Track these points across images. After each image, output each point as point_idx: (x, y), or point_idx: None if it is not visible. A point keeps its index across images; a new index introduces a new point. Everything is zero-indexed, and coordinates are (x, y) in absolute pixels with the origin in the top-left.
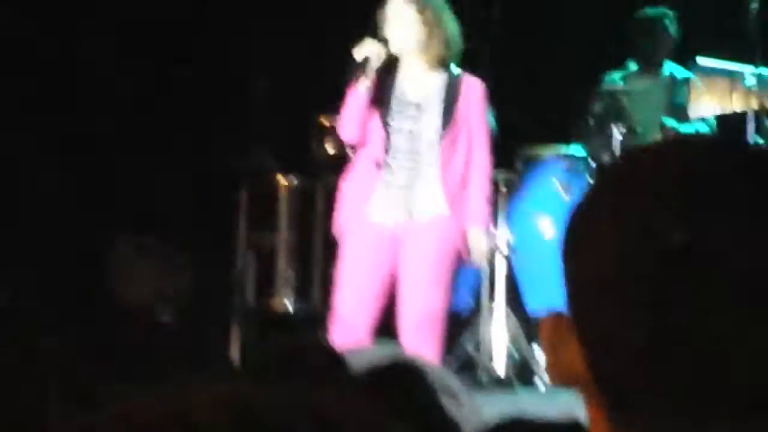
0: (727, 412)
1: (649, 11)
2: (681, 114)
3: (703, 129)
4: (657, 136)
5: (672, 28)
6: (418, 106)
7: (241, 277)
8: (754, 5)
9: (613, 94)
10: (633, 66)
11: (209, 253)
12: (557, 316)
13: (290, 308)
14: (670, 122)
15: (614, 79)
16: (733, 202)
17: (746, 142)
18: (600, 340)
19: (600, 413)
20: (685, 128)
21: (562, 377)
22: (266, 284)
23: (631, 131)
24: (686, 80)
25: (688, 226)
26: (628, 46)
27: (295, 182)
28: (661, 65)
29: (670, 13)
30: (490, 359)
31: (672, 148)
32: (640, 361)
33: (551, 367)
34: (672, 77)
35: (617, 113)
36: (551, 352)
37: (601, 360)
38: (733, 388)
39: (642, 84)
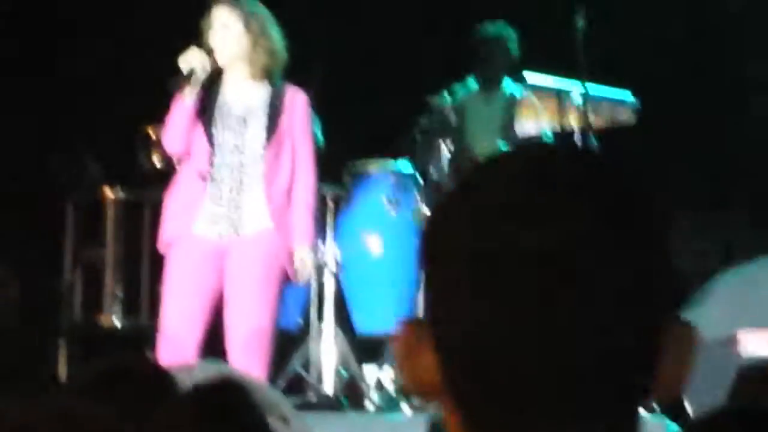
0: (555, 420)
1: (490, 29)
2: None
3: None
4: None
5: (512, 46)
6: (242, 119)
7: (67, 292)
8: (580, 22)
9: (441, 110)
10: (473, 82)
11: (36, 268)
12: (413, 323)
13: (118, 324)
14: (505, 146)
15: (445, 94)
16: (577, 206)
17: (587, 150)
18: (450, 343)
19: (455, 420)
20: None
21: (416, 385)
22: (93, 299)
23: (460, 147)
24: (524, 99)
25: (535, 229)
26: (469, 62)
27: (123, 195)
28: (500, 83)
29: (511, 31)
30: (319, 379)
31: (519, 155)
32: (479, 365)
33: (406, 375)
34: (511, 96)
35: (444, 129)
36: (406, 358)
37: (448, 364)
38: (565, 394)
39: (480, 101)
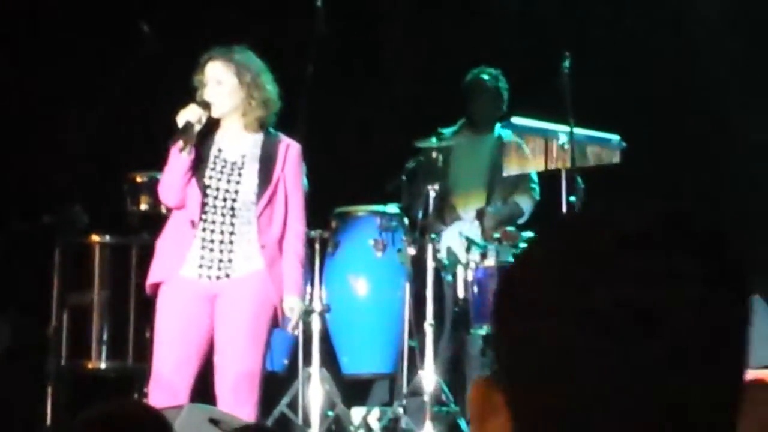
0: None
1: (482, 73)
2: (501, 177)
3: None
4: (479, 195)
5: (503, 90)
6: (235, 166)
7: (55, 336)
8: (566, 64)
9: (427, 152)
10: (462, 125)
11: (23, 312)
12: (487, 384)
13: (104, 367)
14: (493, 209)
15: (432, 138)
16: (665, 264)
17: (681, 207)
18: (529, 413)
19: None
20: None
21: None
22: (80, 343)
23: (445, 190)
24: (512, 142)
25: (618, 288)
26: (461, 105)
27: (109, 240)
28: (491, 126)
29: (503, 77)
30: (306, 420)
31: (601, 213)
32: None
33: None
34: (499, 139)
35: (430, 171)
36: (479, 420)
37: (527, 427)
38: None
39: (468, 144)
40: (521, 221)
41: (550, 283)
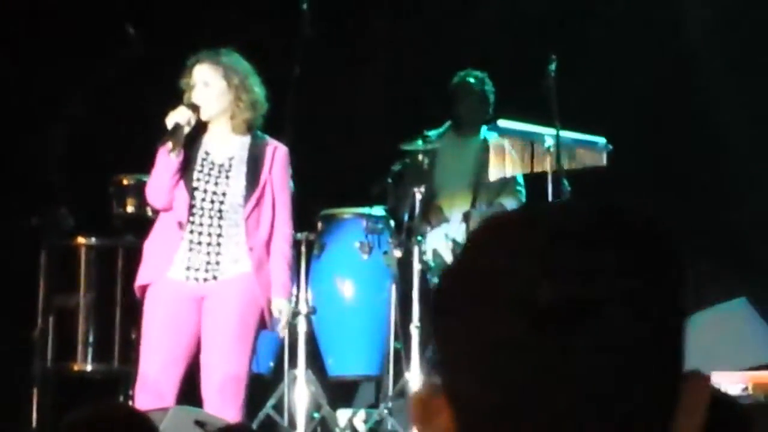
0: None
1: (469, 75)
2: (487, 180)
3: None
4: (465, 197)
5: (490, 93)
6: (222, 168)
7: (40, 339)
8: (552, 66)
9: (413, 155)
10: (448, 128)
11: (9, 314)
12: (427, 389)
13: (90, 370)
14: (478, 211)
15: (418, 140)
16: (598, 257)
17: (606, 202)
18: (469, 407)
19: None
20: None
21: None
22: (66, 345)
23: (430, 191)
24: (497, 145)
25: (554, 282)
26: (447, 108)
27: (95, 242)
28: (477, 128)
29: (489, 79)
30: (292, 422)
31: (536, 210)
32: (504, 428)
33: None
34: (484, 141)
35: (416, 174)
36: (421, 423)
37: (470, 429)
38: None
39: (453, 146)
40: None
41: (488, 277)
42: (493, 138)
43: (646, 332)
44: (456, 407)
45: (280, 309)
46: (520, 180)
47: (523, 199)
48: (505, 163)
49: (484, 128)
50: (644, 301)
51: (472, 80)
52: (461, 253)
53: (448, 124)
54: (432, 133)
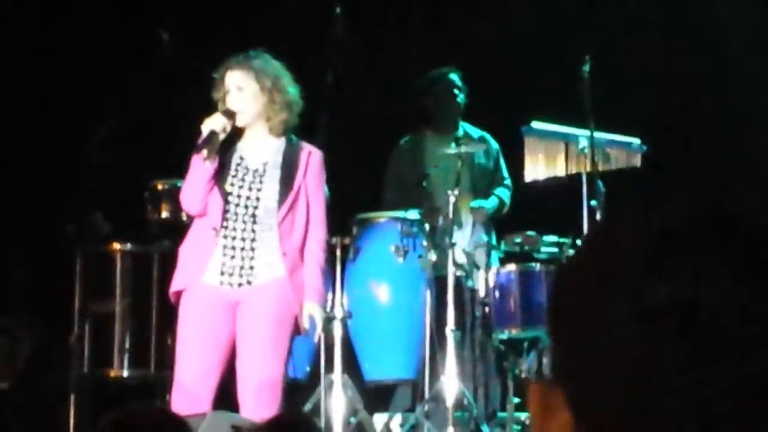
0: None
1: (439, 72)
2: (482, 173)
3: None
4: (467, 196)
5: (462, 87)
6: (256, 173)
7: (77, 345)
8: (586, 68)
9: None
10: (427, 127)
11: (46, 321)
12: (546, 385)
13: (126, 376)
14: (477, 203)
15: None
16: (714, 260)
17: (720, 203)
18: (590, 410)
19: None
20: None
21: None
22: (102, 352)
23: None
24: (482, 140)
25: (672, 285)
26: (421, 107)
27: (131, 248)
28: (456, 125)
29: (457, 73)
30: (328, 427)
31: (647, 212)
32: (623, 425)
33: None
34: (467, 136)
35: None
36: (540, 420)
37: (587, 425)
38: None
39: (437, 144)
40: (504, 212)
41: (603, 286)
42: (472, 132)
43: (754, 337)
44: (578, 412)
45: (313, 314)
46: (503, 165)
47: (511, 185)
48: (537, 166)
49: (463, 124)
50: (752, 305)
51: (442, 76)
52: (572, 263)
53: (427, 123)
54: (413, 134)
